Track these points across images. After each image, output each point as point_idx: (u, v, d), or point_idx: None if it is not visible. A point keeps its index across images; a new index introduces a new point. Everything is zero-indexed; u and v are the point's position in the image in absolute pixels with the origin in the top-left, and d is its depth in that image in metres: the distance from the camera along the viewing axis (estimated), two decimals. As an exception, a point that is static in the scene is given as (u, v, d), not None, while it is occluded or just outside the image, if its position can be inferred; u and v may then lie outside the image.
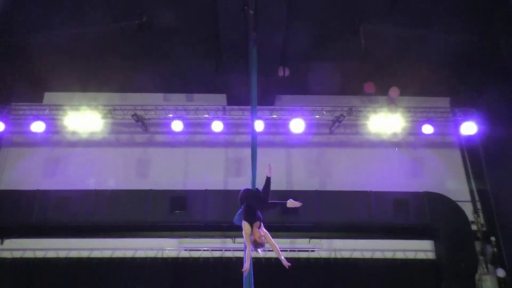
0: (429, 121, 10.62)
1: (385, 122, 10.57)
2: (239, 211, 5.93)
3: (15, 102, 11.00)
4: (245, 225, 5.68)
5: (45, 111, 10.65)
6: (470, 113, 10.62)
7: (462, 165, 11.35)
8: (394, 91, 11.28)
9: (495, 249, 10.15)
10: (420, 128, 10.70)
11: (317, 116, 10.76)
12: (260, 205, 5.94)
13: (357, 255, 10.26)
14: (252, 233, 5.70)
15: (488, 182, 10.60)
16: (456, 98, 11.61)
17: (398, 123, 10.62)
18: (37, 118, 10.49)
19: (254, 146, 6.58)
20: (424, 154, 11.31)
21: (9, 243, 10.29)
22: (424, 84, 11.14)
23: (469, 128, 10.43)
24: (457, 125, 10.86)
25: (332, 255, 10.26)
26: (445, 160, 11.26)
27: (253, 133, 6.86)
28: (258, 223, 5.79)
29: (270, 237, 5.86)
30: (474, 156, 11.17)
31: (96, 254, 10.15)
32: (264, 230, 5.82)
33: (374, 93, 11.35)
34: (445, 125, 11.17)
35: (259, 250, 5.74)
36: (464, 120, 10.53)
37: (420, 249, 10.34)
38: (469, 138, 10.94)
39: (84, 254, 10.14)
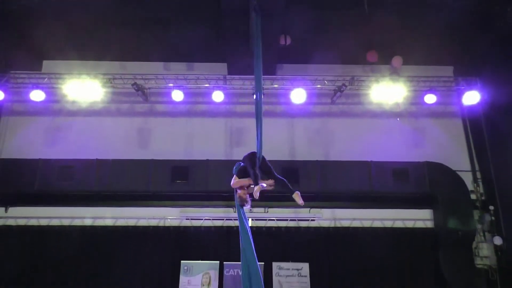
0: (431, 90, 10.52)
1: (387, 91, 10.48)
2: (239, 164, 5.98)
3: (13, 70, 10.87)
4: (236, 178, 5.77)
5: (44, 79, 10.56)
6: (473, 82, 10.51)
7: (464, 134, 11.34)
8: (397, 60, 11.11)
9: (493, 218, 10.27)
10: (423, 98, 10.61)
11: (318, 86, 10.66)
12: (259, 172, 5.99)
13: (356, 224, 10.39)
14: (238, 189, 5.79)
15: (489, 151, 10.60)
16: (460, 67, 11.47)
17: (400, 93, 10.53)
18: (37, 86, 10.41)
19: (259, 113, 6.56)
20: (426, 124, 11.28)
21: (14, 211, 10.43)
22: (428, 53, 10.99)
23: (471, 97, 10.35)
24: (459, 95, 10.78)
25: (332, 224, 10.40)
26: (446, 130, 11.25)
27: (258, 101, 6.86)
28: (248, 188, 5.87)
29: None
30: (476, 126, 11.13)
31: (99, 222, 10.29)
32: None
33: (377, 62, 11.19)
34: (448, 95, 11.10)
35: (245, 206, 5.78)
36: (467, 90, 10.43)
37: (419, 218, 10.46)
38: (471, 107, 10.86)
39: (88, 222, 10.29)
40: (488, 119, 10.72)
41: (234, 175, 5.85)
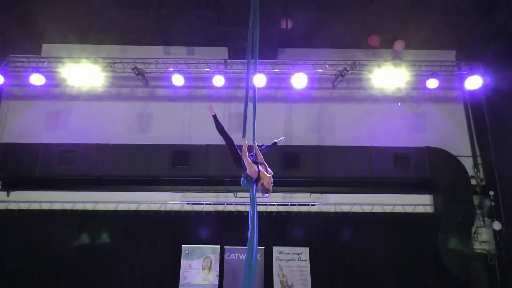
0: (433, 75, 10.46)
1: (389, 76, 10.42)
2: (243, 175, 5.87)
3: (12, 54, 10.81)
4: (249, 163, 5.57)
5: (44, 63, 10.51)
6: (476, 66, 10.45)
7: (465, 119, 11.29)
8: (399, 44, 11.00)
9: (492, 203, 10.31)
10: (424, 83, 10.56)
11: (319, 70, 10.59)
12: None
13: (357, 209, 10.43)
14: (261, 177, 5.55)
15: (490, 136, 10.57)
16: (463, 51, 11.36)
17: (402, 78, 10.47)
18: (36, 70, 10.36)
19: (253, 100, 6.54)
20: (427, 109, 11.23)
21: (15, 195, 10.46)
22: (430, 37, 10.84)
23: (473, 82, 10.30)
24: (462, 79, 10.71)
25: (332, 209, 10.44)
26: (448, 115, 11.20)
27: (253, 87, 6.83)
28: (263, 164, 5.76)
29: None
30: (477, 111, 11.08)
31: (101, 207, 10.34)
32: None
33: (379, 46, 11.08)
34: (450, 79, 11.04)
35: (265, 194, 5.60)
36: (469, 74, 10.37)
37: (419, 203, 10.48)
38: (473, 92, 10.82)
39: (89, 206, 10.34)
40: (490, 104, 10.67)
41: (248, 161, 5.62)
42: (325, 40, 11.00)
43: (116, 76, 10.96)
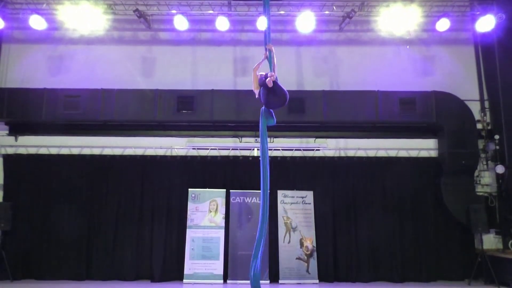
0: (444, 15, 10.11)
1: (398, 17, 10.08)
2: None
3: (10, -5, 10.51)
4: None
5: (42, 4, 10.21)
6: (489, 7, 10.06)
7: (475, 62, 11.06)
8: (410, -18, 10.55)
9: (497, 147, 10.34)
10: (434, 24, 10.25)
11: (326, 12, 10.25)
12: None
13: (361, 153, 10.51)
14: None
15: (500, 79, 10.39)
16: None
17: (412, 19, 10.14)
18: (36, 12, 10.09)
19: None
20: (436, 52, 10.98)
21: (24, 140, 10.56)
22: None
23: (485, 23, 9.96)
24: (473, 20, 10.37)
25: (337, 154, 10.52)
26: (457, 58, 10.96)
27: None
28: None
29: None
30: (488, 53, 10.82)
31: (108, 151, 10.45)
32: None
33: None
34: (461, 20, 10.67)
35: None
36: (481, 15, 10.01)
37: (423, 147, 10.53)
38: (485, 34, 10.49)
39: (97, 151, 10.45)
40: (501, 45, 10.39)
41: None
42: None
43: (118, 19, 10.67)
